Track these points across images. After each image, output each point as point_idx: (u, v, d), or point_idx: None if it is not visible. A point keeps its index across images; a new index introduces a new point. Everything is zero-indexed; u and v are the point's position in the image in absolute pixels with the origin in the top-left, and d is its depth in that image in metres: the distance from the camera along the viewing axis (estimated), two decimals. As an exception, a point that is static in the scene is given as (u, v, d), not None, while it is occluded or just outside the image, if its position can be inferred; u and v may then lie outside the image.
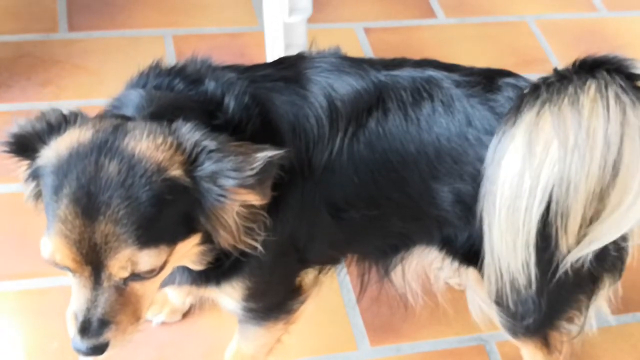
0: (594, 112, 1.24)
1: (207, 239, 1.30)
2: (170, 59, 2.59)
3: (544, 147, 1.25)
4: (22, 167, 1.30)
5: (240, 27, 2.80)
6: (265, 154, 1.22)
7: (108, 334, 1.24)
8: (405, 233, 1.58)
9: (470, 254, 1.52)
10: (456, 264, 1.59)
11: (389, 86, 1.46)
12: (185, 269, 1.43)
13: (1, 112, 2.38)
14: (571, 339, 1.68)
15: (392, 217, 1.53)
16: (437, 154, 1.45)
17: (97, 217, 1.17)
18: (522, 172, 1.26)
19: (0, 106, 2.40)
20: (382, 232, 1.57)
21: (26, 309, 1.94)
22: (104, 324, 1.23)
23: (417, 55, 1.59)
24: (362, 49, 2.76)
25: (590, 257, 1.35)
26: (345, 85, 1.45)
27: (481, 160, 1.36)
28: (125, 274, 1.21)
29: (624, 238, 1.51)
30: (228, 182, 1.21)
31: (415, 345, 1.96)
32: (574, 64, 1.33)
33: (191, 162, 1.22)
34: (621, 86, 1.27)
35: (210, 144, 1.22)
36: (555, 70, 1.33)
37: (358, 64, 1.49)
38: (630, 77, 1.30)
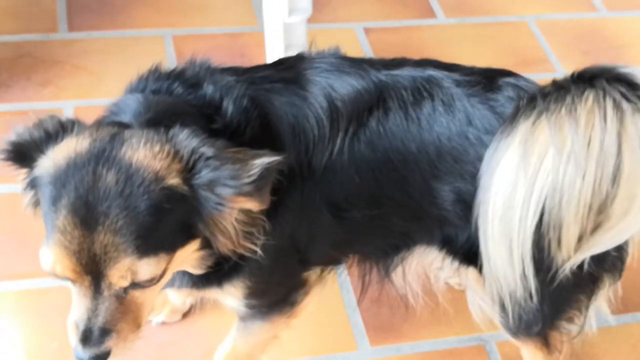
0: (590, 121, 1.23)
1: (206, 244, 1.30)
2: (170, 59, 2.59)
3: (539, 157, 1.23)
4: (20, 175, 1.30)
5: (240, 27, 2.80)
6: (262, 161, 1.22)
7: (109, 343, 1.24)
8: (406, 232, 1.58)
9: (470, 253, 1.52)
10: (456, 263, 1.59)
11: (390, 86, 1.46)
12: (186, 273, 1.43)
13: (1, 112, 2.38)
14: (571, 339, 1.68)
15: (393, 217, 1.53)
16: (438, 153, 1.45)
17: (96, 227, 1.17)
18: (516, 182, 1.24)
19: (0, 106, 2.40)
20: (383, 231, 1.57)
21: (26, 309, 1.94)
22: (105, 332, 1.24)
23: (417, 55, 1.59)
24: (362, 49, 2.76)
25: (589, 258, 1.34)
26: (346, 85, 1.45)
27: (481, 159, 1.35)
28: (125, 283, 1.21)
29: (624, 238, 1.51)
30: (226, 191, 1.21)
31: (415, 345, 1.96)
32: (572, 75, 1.31)
33: (189, 170, 1.22)
34: (623, 94, 1.25)
35: (208, 150, 1.21)
36: (554, 81, 1.32)
37: (358, 64, 1.49)
38: (633, 86, 1.27)
